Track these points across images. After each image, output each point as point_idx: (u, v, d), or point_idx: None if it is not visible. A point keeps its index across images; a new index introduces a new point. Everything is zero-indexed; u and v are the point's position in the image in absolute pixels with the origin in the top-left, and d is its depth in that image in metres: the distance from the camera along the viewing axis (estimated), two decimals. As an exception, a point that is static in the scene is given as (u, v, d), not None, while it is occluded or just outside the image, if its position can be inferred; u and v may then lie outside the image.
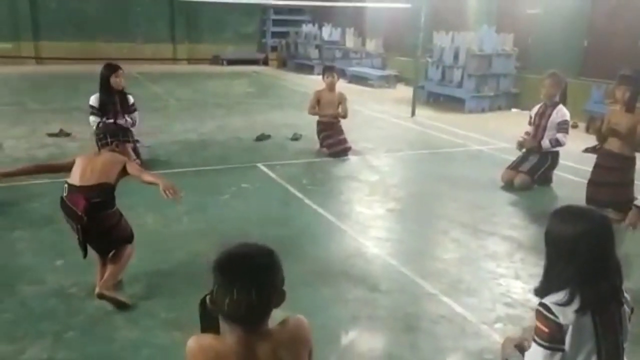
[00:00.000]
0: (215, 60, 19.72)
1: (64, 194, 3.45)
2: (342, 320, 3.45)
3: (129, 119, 6.44)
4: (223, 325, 1.73)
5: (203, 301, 1.73)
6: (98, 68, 6.54)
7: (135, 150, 6.42)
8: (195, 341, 1.71)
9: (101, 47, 17.69)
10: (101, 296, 3.41)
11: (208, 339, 1.72)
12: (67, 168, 3.59)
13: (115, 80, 6.29)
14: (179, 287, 3.75)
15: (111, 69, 6.35)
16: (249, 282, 1.63)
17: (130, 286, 3.75)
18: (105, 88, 6.32)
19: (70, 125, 8.35)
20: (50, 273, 3.92)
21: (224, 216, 5.17)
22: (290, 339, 1.75)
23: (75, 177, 3.48)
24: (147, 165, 6.36)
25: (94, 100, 6.35)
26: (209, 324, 1.79)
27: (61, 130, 8.06)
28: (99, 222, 3.43)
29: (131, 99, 6.55)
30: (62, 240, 4.17)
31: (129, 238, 3.66)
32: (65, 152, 7.00)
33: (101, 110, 6.31)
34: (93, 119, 6.35)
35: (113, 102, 6.35)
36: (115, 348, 3.11)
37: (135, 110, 6.56)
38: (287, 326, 1.76)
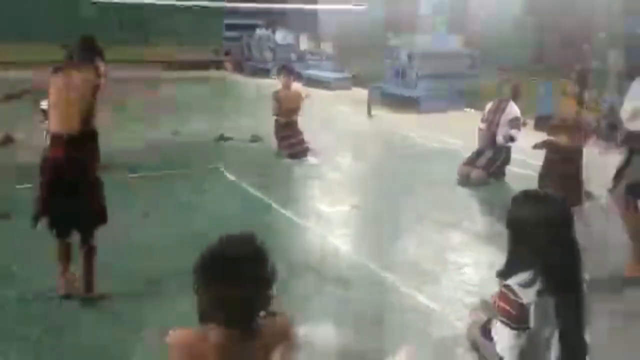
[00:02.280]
0: (168, 64, 19.43)
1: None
2: (311, 315, 3.49)
3: None
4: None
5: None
6: (44, 73, 6.38)
7: None
8: (179, 335, 1.66)
9: (47, 51, 17.07)
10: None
11: (192, 332, 1.66)
12: None
13: None
14: (143, 289, 3.72)
15: (57, 70, 6.21)
16: (228, 281, 1.58)
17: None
18: None
19: (14, 131, 8.05)
20: (16, 278, 3.82)
21: (186, 219, 5.10)
22: (279, 338, 1.71)
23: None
24: (107, 169, 6.25)
25: (45, 103, 6.19)
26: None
27: (7, 137, 7.73)
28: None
29: None
30: (28, 244, 4.08)
31: (101, 216, 3.51)
32: (8, 159, 6.72)
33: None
34: (44, 126, 6.17)
35: None
36: (84, 351, 3.07)
37: None
38: (275, 324, 1.71)
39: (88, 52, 3.67)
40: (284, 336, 1.75)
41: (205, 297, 1.61)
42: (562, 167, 5.48)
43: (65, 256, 3.50)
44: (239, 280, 1.59)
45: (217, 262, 1.62)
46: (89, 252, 3.48)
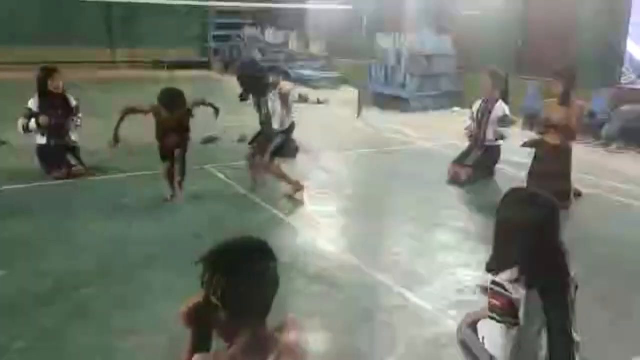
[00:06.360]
0: (156, 64, 19.29)
1: None
2: (299, 315, 3.46)
3: (72, 124, 6.28)
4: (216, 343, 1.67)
5: (196, 313, 1.63)
6: (32, 74, 6.33)
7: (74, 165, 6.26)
8: None
9: (34, 52, 16.93)
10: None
11: (209, 357, 1.60)
12: None
13: (52, 84, 6.10)
14: (129, 293, 3.69)
15: (47, 71, 6.16)
16: (253, 271, 1.58)
17: (79, 291, 3.66)
18: (43, 92, 6.12)
19: (4, 133, 7.96)
20: (16, 277, 3.80)
21: (176, 220, 5.08)
22: (293, 349, 1.65)
23: None
24: (93, 171, 6.26)
25: (32, 103, 6.13)
26: (201, 342, 1.68)
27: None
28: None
29: (73, 102, 6.37)
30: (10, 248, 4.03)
31: None
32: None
33: (41, 114, 6.10)
34: (21, 122, 6.09)
35: (53, 105, 6.14)
36: (82, 352, 3.05)
37: (78, 112, 6.39)
38: (287, 333, 1.66)
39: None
40: (300, 348, 1.67)
41: (223, 296, 1.55)
42: (551, 165, 5.51)
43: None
44: (255, 273, 1.59)
45: (229, 258, 1.62)
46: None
